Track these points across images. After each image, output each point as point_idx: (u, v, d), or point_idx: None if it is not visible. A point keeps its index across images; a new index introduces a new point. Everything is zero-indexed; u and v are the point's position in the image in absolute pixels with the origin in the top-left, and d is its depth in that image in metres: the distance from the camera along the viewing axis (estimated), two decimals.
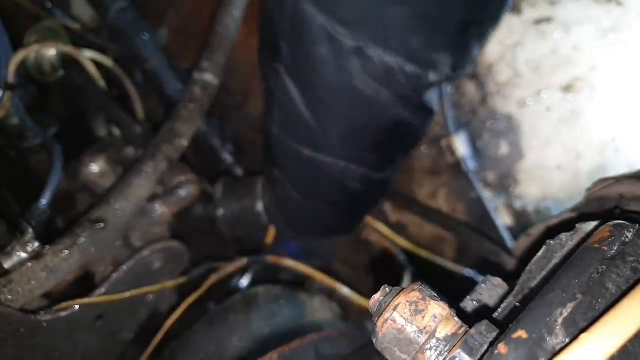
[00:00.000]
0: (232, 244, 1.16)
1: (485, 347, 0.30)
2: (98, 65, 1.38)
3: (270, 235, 1.14)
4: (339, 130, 0.94)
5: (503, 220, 1.16)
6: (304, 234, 1.18)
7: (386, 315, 0.32)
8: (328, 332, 0.79)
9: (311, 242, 1.22)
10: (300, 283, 1.22)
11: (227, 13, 1.00)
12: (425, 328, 0.32)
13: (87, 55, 1.30)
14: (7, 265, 0.76)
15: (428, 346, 0.31)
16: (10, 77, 1.12)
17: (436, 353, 0.31)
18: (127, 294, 0.83)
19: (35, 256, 0.77)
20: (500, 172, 1.16)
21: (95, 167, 1.02)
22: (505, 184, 1.16)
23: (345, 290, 1.24)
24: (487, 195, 1.15)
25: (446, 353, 0.31)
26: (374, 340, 0.34)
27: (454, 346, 0.31)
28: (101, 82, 1.22)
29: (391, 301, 0.33)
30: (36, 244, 0.77)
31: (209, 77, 0.97)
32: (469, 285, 1.22)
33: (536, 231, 0.50)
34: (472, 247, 1.16)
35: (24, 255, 0.76)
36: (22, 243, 0.76)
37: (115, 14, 1.43)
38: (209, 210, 1.13)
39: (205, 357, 0.98)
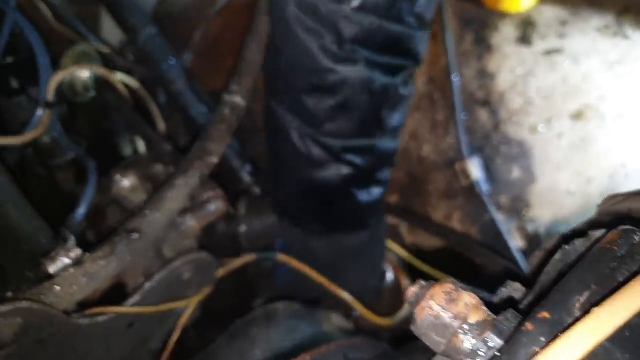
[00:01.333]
0: None
1: (512, 330, 0.35)
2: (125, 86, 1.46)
3: None
4: None
5: (516, 242, 1.20)
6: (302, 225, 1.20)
7: (424, 303, 0.37)
8: (353, 340, 0.83)
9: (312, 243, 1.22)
10: (318, 301, 1.26)
11: (254, 40, 1.07)
12: (459, 314, 0.36)
13: (117, 78, 1.38)
14: (51, 270, 0.81)
15: (462, 330, 0.36)
16: (50, 96, 1.20)
17: (469, 336, 0.36)
18: (162, 307, 0.87)
19: (77, 263, 0.82)
20: (513, 196, 1.20)
21: (126, 183, 1.07)
22: (517, 207, 1.20)
23: (357, 308, 1.26)
24: (500, 218, 1.20)
25: (478, 336, 0.36)
26: (413, 328, 0.38)
27: (484, 330, 0.36)
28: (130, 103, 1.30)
29: (428, 292, 0.38)
30: (78, 251, 0.82)
31: (238, 100, 1.03)
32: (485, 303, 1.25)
33: (550, 244, 0.55)
34: (487, 267, 1.20)
35: (67, 261, 0.81)
36: (66, 249, 0.82)
37: (145, 39, 1.51)
38: (231, 227, 1.17)
39: None
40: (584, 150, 1.16)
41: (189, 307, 0.95)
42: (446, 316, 0.37)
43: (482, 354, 0.35)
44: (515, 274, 1.10)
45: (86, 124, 1.47)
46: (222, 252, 1.18)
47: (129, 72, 1.56)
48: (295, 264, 1.12)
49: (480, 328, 0.36)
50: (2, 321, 0.73)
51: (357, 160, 1.02)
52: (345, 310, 1.27)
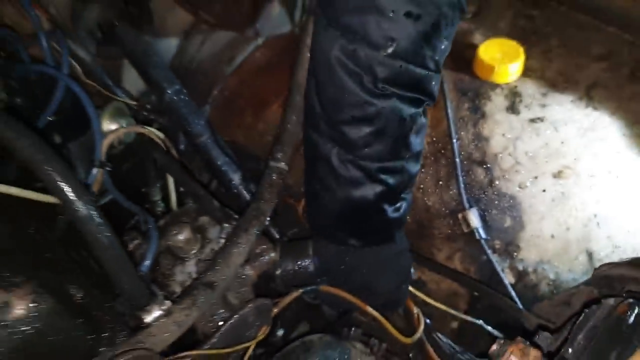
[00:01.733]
0: None
1: None
2: None
3: None
4: None
5: (508, 279, 1.42)
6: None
7: (506, 357, 0.57)
8: None
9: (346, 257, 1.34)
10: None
11: (294, 112, 1.25)
12: None
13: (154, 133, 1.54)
14: (147, 319, 0.96)
15: None
16: (103, 156, 1.34)
17: None
18: (236, 347, 1.04)
19: (167, 313, 0.98)
20: (505, 241, 1.42)
21: (181, 236, 1.23)
22: (509, 250, 1.42)
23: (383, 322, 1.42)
24: (495, 259, 1.42)
25: None
26: None
27: None
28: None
29: (508, 347, 0.57)
30: (169, 303, 0.98)
31: (282, 165, 1.22)
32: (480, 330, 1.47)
33: (558, 299, 0.75)
34: (484, 300, 1.42)
35: (160, 312, 0.97)
36: (159, 302, 0.98)
37: (172, 94, 1.65)
38: (269, 271, 1.35)
39: None
40: (564, 203, 1.39)
41: (250, 346, 1.11)
42: None
43: None
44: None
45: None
46: (259, 292, 1.35)
47: (148, 122, 1.70)
48: (334, 291, 1.28)
49: None
50: None
51: (389, 179, 1.19)
52: (370, 328, 1.43)
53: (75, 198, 0.85)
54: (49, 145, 0.87)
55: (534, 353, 0.55)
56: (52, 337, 0.92)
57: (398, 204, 1.25)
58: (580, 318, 0.65)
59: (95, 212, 0.88)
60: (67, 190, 0.84)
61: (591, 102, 1.45)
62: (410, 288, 1.50)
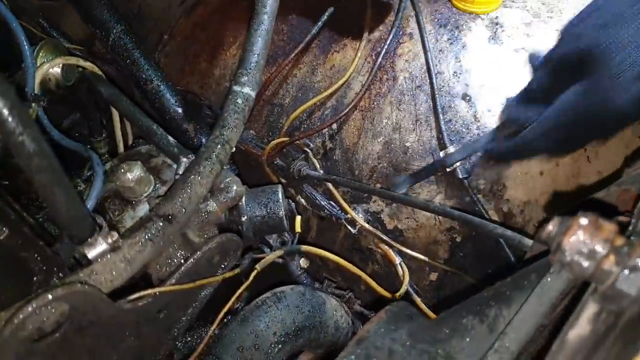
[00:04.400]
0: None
1: None
2: None
3: (298, 224, 1.23)
4: None
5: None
6: None
7: (572, 232, 0.44)
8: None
9: None
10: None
11: (259, 34, 1.09)
12: (606, 239, 0.43)
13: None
14: (90, 255, 0.79)
15: (612, 252, 0.43)
16: (36, 89, 1.14)
17: (619, 257, 0.42)
18: (199, 282, 0.87)
19: (114, 248, 0.80)
20: (490, 180, 1.32)
21: (131, 175, 1.06)
22: (494, 190, 1.32)
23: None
24: (479, 199, 1.31)
25: (627, 256, 0.43)
26: (557, 258, 0.44)
27: (632, 251, 0.43)
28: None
29: (574, 222, 0.44)
30: (115, 236, 0.81)
31: (248, 90, 1.06)
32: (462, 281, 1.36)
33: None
34: (469, 243, 1.31)
35: (105, 246, 0.79)
36: (104, 235, 0.80)
37: (116, 36, 1.47)
38: (232, 218, 1.19)
39: (247, 349, 1.03)
40: None
41: (231, 295, 0.96)
42: (596, 242, 0.43)
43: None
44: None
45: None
46: None
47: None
48: (315, 251, 1.16)
49: (626, 249, 0.43)
50: (49, 307, 0.71)
51: None
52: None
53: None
54: None
55: (609, 226, 0.42)
56: None
57: None
58: None
59: (27, 120, 0.69)
60: None
61: None
62: (385, 237, 1.38)
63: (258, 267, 1.05)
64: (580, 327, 0.45)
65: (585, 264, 0.43)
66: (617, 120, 0.80)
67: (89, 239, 0.79)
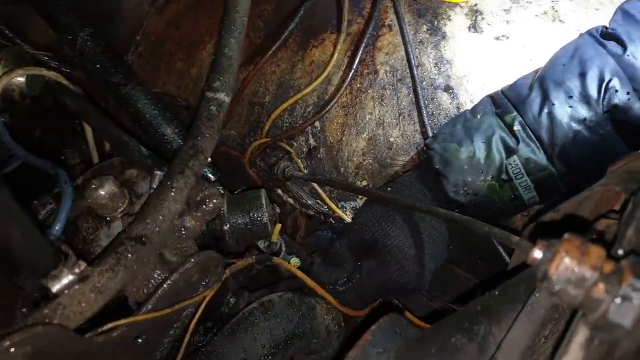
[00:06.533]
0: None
1: None
2: None
3: (276, 232, 1.20)
4: None
5: None
6: None
7: (558, 259, 0.40)
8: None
9: None
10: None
11: (232, 35, 1.05)
12: (594, 266, 0.40)
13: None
14: (54, 289, 0.74)
15: (601, 280, 0.40)
16: None
17: (609, 285, 0.39)
18: (177, 307, 0.83)
19: (82, 278, 0.76)
20: None
21: (103, 191, 1.01)
22: None
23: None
24: None
25: (617, 284, 0.39)
26: (545, 286, 0.41)
27: (622, 278, 0.40)
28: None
29: (559, 248, 0.41)
30: (82, 265, 0.77)
31: (222, 96, 1.01)
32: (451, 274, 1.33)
33: (564, 209, 0.61)
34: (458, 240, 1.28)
35: (72, 277, 0.75)
36: (69, 265, 0.75)
37: (84, 40, 1.41)
38: (213, 227, 1.15)
39: None
40: None
41: (200, 307, 0.92)
42: (583, 269, 0.40)
43: (635, 298, 0.39)
44: None
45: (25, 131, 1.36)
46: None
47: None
48: (286, 265, 1.14)
49: (615, 276, 0.40)
50: (9, 353, 0.66)
51: None
52: None
53: None
54: None
55: (596, 251, 0.39)
56: None
57: None
58: (628, 210, 0.50)
59: None
60: None
61: (557, 15, 1.32)
62: None
63: (228, 271, 1.02)
64: (573, 354, 0.42)
65: (574, 292, 0.40)
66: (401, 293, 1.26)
67: (53, 271, 0.75)
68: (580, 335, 0.42)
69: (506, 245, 0.99)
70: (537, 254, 0.41)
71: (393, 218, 1.20)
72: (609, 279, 0.39)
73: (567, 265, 0.40)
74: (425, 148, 1.23)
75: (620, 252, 0.47)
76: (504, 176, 1.09)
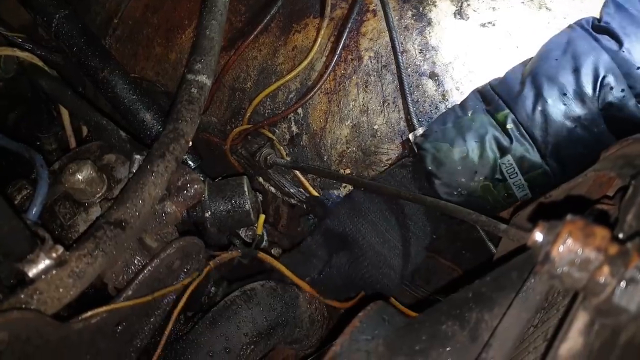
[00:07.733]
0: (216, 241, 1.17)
1: None
2: None
3: (260, 224, 1.17)
4: None
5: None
6: None
7: (561, 241, 0.39)
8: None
9: None
10: None
11: (213, 17, 1.01)
12: (598, 247, 0.39)
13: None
14: (31, 273, 0.71)
15: (606, 262, 0.38)
16: None
17: (614, 267, 0.38)
18: (157, 294, 0.81)
19: (60, 263, 0.73)
20: None
21: (81, 175, 0.97)
22: None
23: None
24: None
25: (622, 266, 0.38)
26: (546, 269, 0.39)
27: (629, 260, 0.38)
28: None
29: (562, 229, 0.39)
30: (60, 250, 0.73)
31: (203, 78, 0.98)
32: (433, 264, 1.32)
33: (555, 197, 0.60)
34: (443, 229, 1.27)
35: (49, 262, 0.72)
36: (46, 249, 0.72)
37: (60, 22, 1.36)
38: (194, 214, 1.12)
39: (217, 353, 0.98)
40: None
41: (185, 295, 0.89)
42: (588, 251, 0.39)
43: None
44: None
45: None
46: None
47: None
48: (270, 260, 1.11)
49: (622, 258, 0.39)
50: None
51: None
52: None
53: None
54: None
55: (601, 232, 0.38)
56: None
57: None
58: (628, 194, 0.49)
59: None
60: None
61: (543, 2, 1.31)
62: None
63: (212, 264, 0.99)
64: (572, 340, 0.41)
65: (577, 275, 0.38)
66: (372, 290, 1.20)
67: (29, 255, 0.71)
68: (580, 320, 0.41)
69: (493, 233, 0.98)
70: (538, 236, 0.40)
71: (365, 214, 1.19)
72: (614, 261, 0.38)
73: (571, 247, 0.38)
74: (416, 148, 1.20)
75: (621, 236, 0.47)
76: (497, 176, 1.07)
